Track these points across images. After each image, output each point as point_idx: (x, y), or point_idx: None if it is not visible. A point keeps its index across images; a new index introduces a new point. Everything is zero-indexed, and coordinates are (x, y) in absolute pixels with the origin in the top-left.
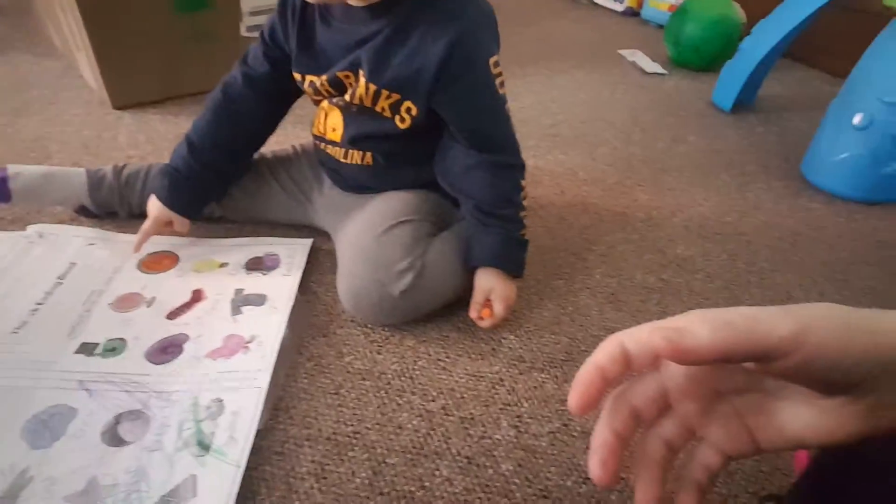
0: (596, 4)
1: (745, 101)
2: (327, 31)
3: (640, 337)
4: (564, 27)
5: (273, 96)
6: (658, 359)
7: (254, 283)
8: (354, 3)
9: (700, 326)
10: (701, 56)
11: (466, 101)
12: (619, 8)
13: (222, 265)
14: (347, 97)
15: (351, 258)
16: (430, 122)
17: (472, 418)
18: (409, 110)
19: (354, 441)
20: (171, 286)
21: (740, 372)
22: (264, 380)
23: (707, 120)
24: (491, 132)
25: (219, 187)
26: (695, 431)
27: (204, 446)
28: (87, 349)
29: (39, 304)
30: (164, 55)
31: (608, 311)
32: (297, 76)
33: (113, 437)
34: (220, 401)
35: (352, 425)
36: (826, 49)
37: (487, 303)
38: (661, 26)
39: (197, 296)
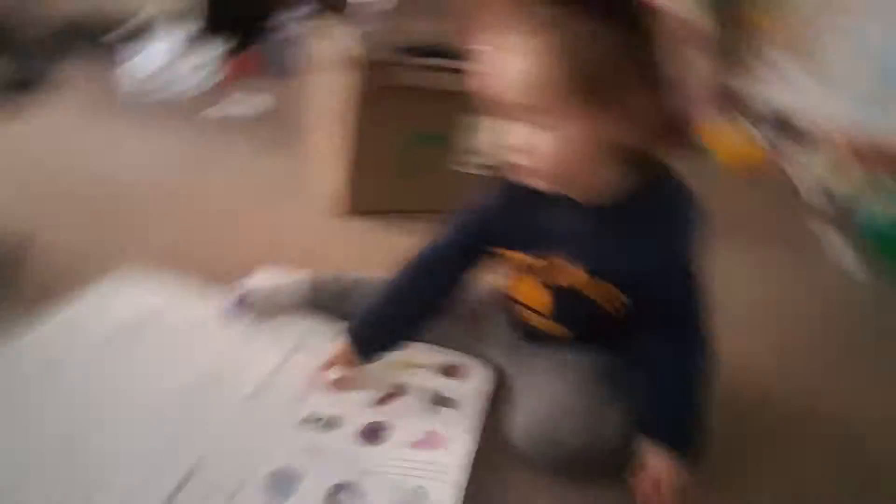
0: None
1: None
2: (541, 213)
3: None
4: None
5: (470, 267)
6: None
7: (450, 387)
8: (581, 199)
9: None
10: None
11: (668, 293)
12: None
13: (420, 366)
14: (563, 282)
15: (531, 401)
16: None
17: None
18: (621, 300)
19: None
20: (378, 377)
21: None
22: (463, 477)
23: None
24: (688, 313)
25: (395, 339)
26: None
27: None
28: (309, 421)
29: (273, 373)
30: (398, 175)
31: None
32: (504, 251)
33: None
34: (424, 489)
35: None
36: None
37: (657, 485)
38: None
39: (399, 389)
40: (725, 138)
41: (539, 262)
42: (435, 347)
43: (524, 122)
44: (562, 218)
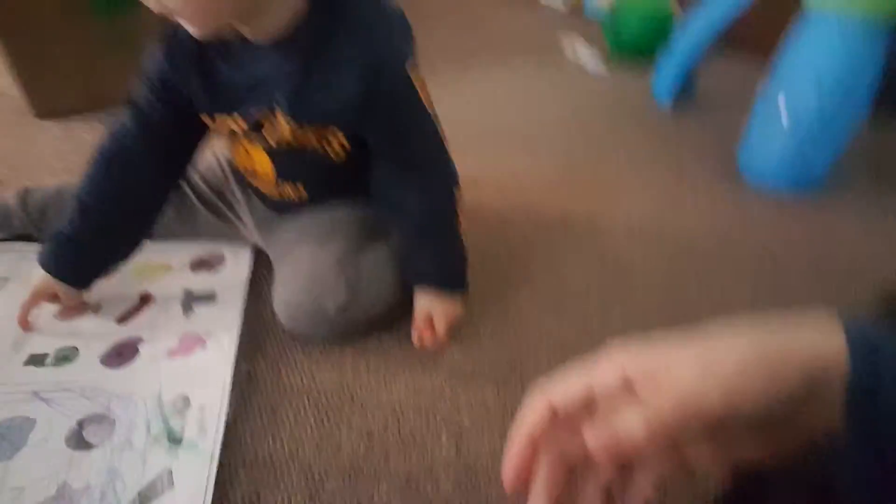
0: (540, 6)
1: (686, 96)
2: (230, 68)
3: (567, 393)
4: (507, 27)
5: (173, 143)
6: (589, 408)
7: (202, 281)
8: (253, 38)
9: (631, 419)
10: (638, 50)
11: (393, 123)
12: (563, 9)
13: (165, 267)
14: (271, 141)
15: (287, 274)
16: (362, 150)
17: (412, 434)
18: (337, 140)
19: (291, 463)
20: (116, 292)
21: None
22: (227, 373)
23: (647, 116)
24: (419, 148)
25: (115, 254)
26: (631, 471)
27: (175, 440)
28: (36, 360)
29: None
30: (84, 60)
31: (549, 317)
32: (208, 119)
33: (79, 442)
34: (186, 397)
35: (288, 447)
36: (759, 38)
37: (430, 323)
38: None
39: (145, 299)
40: None
41: (238, 122)
42: (179, 243)
43: None
44: (243, 66)
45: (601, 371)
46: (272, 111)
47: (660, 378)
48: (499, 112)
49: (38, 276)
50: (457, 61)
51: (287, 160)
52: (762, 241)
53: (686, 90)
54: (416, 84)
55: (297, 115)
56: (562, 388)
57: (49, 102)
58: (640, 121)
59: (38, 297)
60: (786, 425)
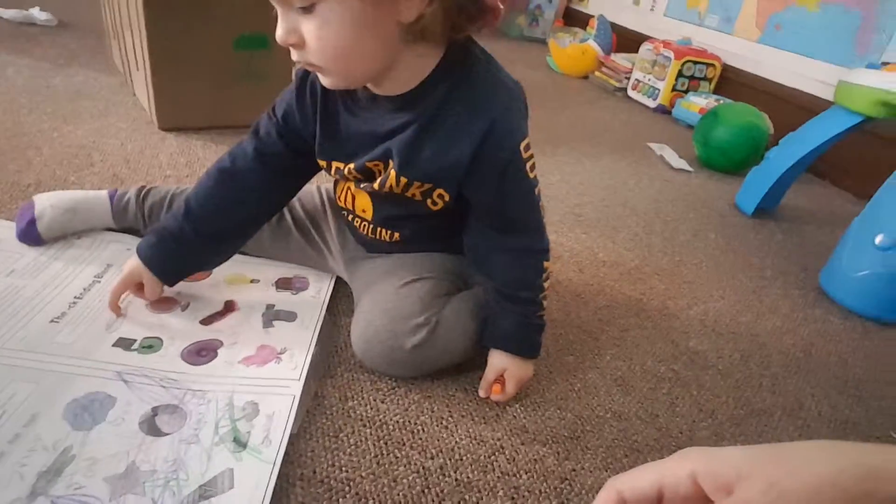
0: (629, 98)
1: (768, 209)
2: (353, 119)
3: (637, 487)
4: (597, 115)
5: (285, 174)
6: (658, 501)
7: (284, 300)
8: (381, 92)
9: None
10: (728, 159)
11: (497, 188)
12: (652, 104)
13: (253, 281)
14: (376, 185)
15: (368, 306)
16: (461, 204)
17: (468, 482)
18: (441, 196)
19: (347, 488)
20: (205, 295)
21: None
22: (297, 388)
23: (729, 220)
24: (518, 216)
25: (206, 258)
26: None
27: (240, 444)
28: (124, 344)
29: (77, 298)
30: (216, 87)
31: (616, 393)
32: (322, 163)
33: (151, 427)
34: (255, 404)
35: (346, 471)
36: (850, 170)
37: (499, 379)
38: (690, 126)
39: (230, 306)
40: (564, 49)
41: (350, 169)
42: (268, 261)
43: (283, 6)
44: (371, 119)
45: (673, 470)
46: (385, 162)
47: (726, 488)
48: (583, 194)
49: (130, 263)
50: (547, 142)
51: (388, 207)
52: (843, 357)
53: (769, 204)
54: (526, 156)
55: (408, 172)
56: (633, 480)
57: (174, 118)
58: (722, 224)
59: (126, 283)
60: None
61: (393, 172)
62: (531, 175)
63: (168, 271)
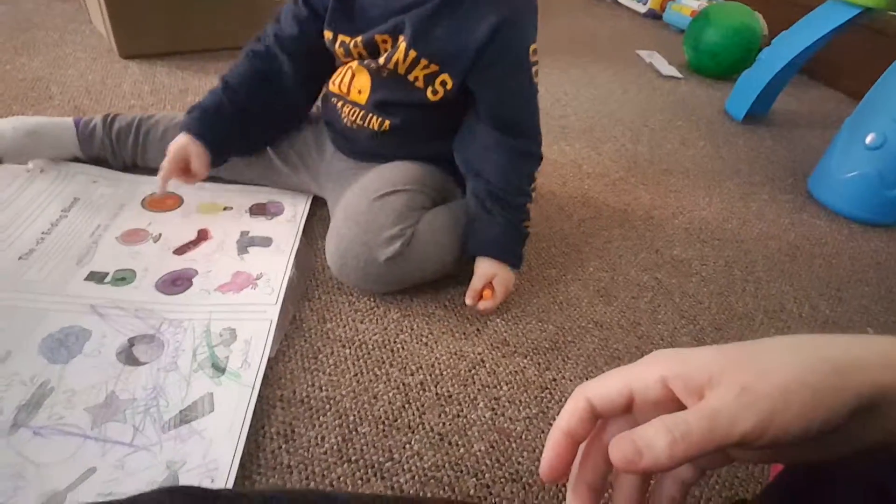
0: (619, 4)
1: (759, 113)
2: None
3: (605, 394)
4: (585, 23)
5: (304, 59)
6: (629, 406)
7: (259, 226)
8: None
9: (656, 436)
10: (718, 63)
11: (502, 84)
12: (642, 9)
13: (226, 208)
14: (382, 61)
15: (342, 220)
16: (459, 98)
17: (449, 396)
18: (443, 83)
19: (327, 406)
20: (177, 225)
21: None
22: (273, 312)
23: (718, 127)
24: (519, 118)
25: (242, 133)
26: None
27: (219, 369)
28: (96, 277)
29: (45, 233)
30: (176, 8)
31: (598, 303)
32: (328, 34)
33: (129, 357)
34: (233, 329)
35: (326, 391)
36: (844, 69)
37: (487, 286)
38: (682, 31)
39: (203, 234)
40: None
41: (358, 43)
42: (242, 188)
43: None
44: None
45: (642, 375)
46: (395, 36)
47: (697, 392)
48: (567, 105)
49: (174, 144)
50: None
51: (386, 90)
52: (828, 259)
53: (760, 109)
54: (533, 60)
55: (419, 46)
56: (601, 387)
57: (134, 45)
58: (710, 131)
59: (175, 162)
60: (836, 439)
61: (402, 46)
62: (535, 80)
63: (216, 142)
